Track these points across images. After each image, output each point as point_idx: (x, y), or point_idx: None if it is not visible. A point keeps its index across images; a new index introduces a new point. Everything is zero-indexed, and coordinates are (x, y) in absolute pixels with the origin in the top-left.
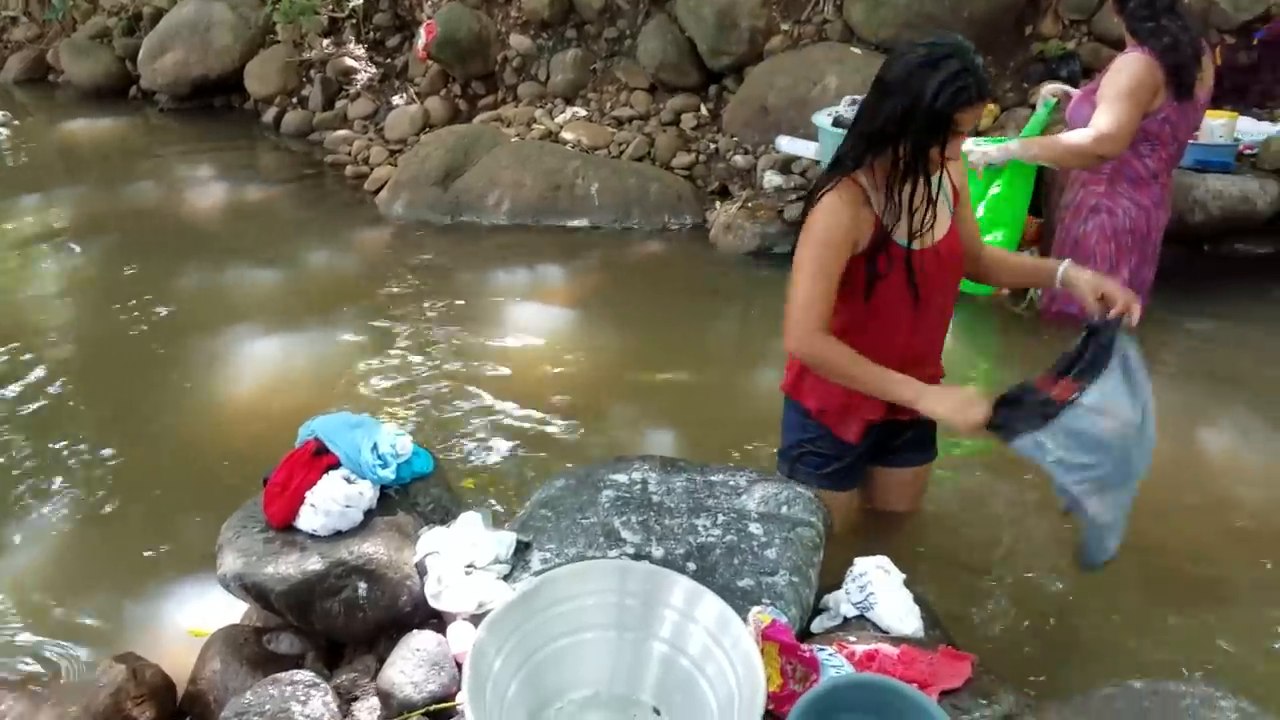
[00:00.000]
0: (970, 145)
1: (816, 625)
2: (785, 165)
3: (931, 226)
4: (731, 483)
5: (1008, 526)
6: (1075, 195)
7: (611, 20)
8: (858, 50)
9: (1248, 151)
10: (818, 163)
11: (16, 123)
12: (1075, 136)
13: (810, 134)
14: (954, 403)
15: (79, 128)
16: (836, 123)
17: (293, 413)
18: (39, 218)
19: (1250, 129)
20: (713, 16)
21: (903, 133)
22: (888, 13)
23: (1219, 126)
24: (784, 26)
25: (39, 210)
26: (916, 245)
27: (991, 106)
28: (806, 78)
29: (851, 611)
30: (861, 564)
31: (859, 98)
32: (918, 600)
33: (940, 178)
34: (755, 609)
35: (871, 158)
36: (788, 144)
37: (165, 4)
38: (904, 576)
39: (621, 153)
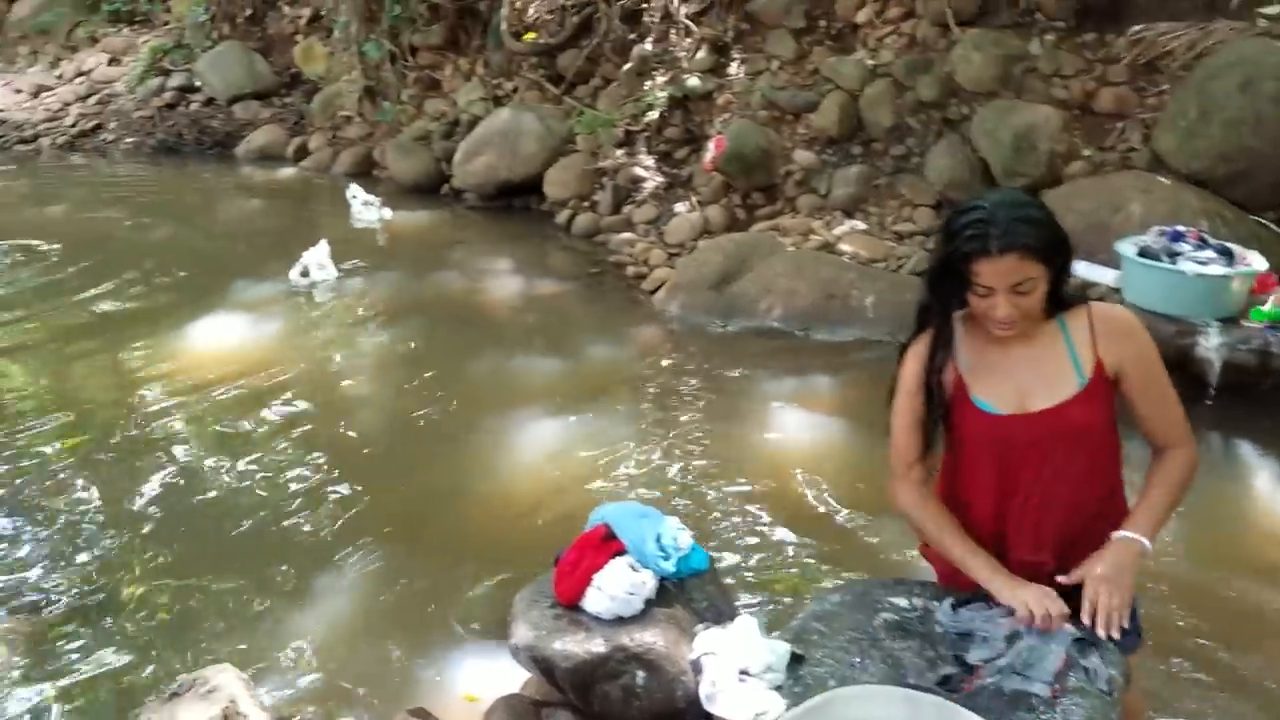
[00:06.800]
0: None
1: None
2: (1080, 290)
3: (1025, 391)
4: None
5: None
6: None
7: (900, 139)
8: (1166, 180)
9: None
10: (1116, 290)
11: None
12: None
13: (1109, 260)
14: (1030, 593)
15: (397, 219)
16: (1143, 253)
17: (564, 496)
18: (359, 297)
19: None
20: (1010, 139)
21: (932, 281)
22: (1202, 144)
23: None
24: (1085, 152)
25: (360, 289)
26: (1000, 409)
27: None
28: (1109, 203)
29: None
30: None
31: (1169, 229)
32: None
33: (1069, 340)
34: None
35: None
36: (1085, 269)
37: (481, 112)
38: None
39: (900, 267)
